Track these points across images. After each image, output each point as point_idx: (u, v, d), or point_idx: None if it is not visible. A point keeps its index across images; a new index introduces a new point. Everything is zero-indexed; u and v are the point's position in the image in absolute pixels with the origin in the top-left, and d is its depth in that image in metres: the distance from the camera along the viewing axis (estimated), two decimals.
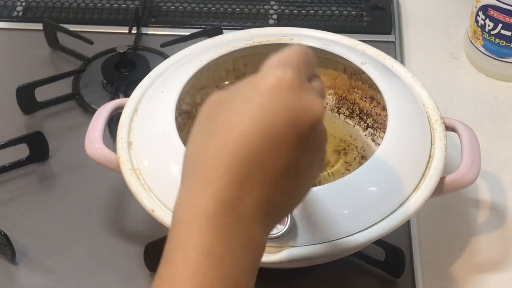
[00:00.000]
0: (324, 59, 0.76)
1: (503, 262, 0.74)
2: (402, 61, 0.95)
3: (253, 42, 0.74)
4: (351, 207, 0.61)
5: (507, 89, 0.92)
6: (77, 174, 0.82)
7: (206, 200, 0.42)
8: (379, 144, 0.74)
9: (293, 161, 0.44)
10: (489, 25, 0.89)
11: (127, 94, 0.88)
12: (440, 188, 0.65)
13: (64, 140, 0.85)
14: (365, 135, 0.76)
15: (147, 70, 0.90)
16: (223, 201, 0.42)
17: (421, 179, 0.64)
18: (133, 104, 0.71)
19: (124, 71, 0.90)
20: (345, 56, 0.72)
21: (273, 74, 0.44)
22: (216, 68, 0.76)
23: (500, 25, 0.88)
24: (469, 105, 0.90)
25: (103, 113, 0.71)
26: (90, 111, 0.88)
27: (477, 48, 0.92)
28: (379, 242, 0.68)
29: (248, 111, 0.43)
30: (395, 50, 0.96)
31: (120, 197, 0.79)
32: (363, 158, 0.74)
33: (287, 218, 0.59)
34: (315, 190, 0.61)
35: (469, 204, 0.79)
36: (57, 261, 0.73)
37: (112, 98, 0.87)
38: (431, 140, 0.67)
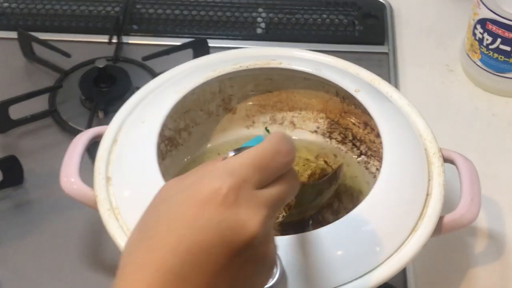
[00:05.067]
0: (315, 81, 0.72)
1: None
2: (395, 74, 0.91)
3: (240, 66, 0.69)
4: (344, 254, 0.57)
5: (505, 105, 0.88)
6: (54, 199, 0.78)
7: None
8: (372, 173, 0.71)
9: (224, 276, 0.42)
10: (487, 39, 0.85)
11: (106, 112, 0.84)
12: (438, 229, 0.61)
13: (40, 161, 0.81)
14: (358, 162, 0.72)
15: (128, 85, 0.86)
16: None
17: (418, 219, 0.61)
18: (112, 134, 0.67)
19: (104, 87, 0.86)
20: (338, 83, 0.68)
21: (210, 185, 0.42)
22: (201, 91, 0.71)
23: (499, 40, 0.84)
24: (465, 122, 0.87)
25: (79, 143, 0.67)
26: (67, 129, 0.84)
27: (474, 62, 0.88)
28: None
29: (179, 223, 0.41)
30: (388, 62, 0.92)
31: (99, 226, 0.74)
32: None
33: (276, 267, 0.55)
34: (306, 235, 0.57)
35: (466, 232, 0.75)
36: None
37: (91, 116, 0.83)
38: (429, 176, 0.64)
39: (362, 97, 0.67)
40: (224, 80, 0.72)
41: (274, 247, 0.45)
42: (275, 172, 0.44)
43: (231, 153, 0.45)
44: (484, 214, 0.77)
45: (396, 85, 0.90)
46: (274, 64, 0.70)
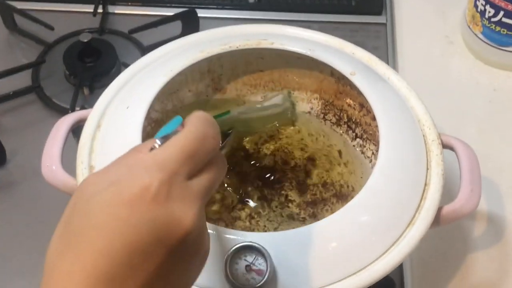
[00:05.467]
0: (309, 60, 0.68)
1: (501, 282, 0.68)
2: (393, 46, 0.88)
3: (230, 46, 0.66)
4: (339, 250, 0.54)
5: (506, 79, 0.85)
6: (38, 180, 0.73)
7: None
8: (368, 157, 0.68)
9: (162, 274, 0.40)
10: (489, 12, 0.81)
11: (92, 88, 0.81)
12: (436, 220, 0.59)
13: (23, 140, 0.78)
14: (354, 145, 0.69)
15: (114, 59, 0.83)
16: None
17: (416, 211, 0.58)
18: (95, 119, 0.63)
19: (89, 61, 0.82)
20: (332, 65, 0.65)
21: (139, 181, 0.39)
22: (189, 71, 0.68)
23: (501, 13, 0.80)
24: (465, 97, 0.83)
25: (61, 128, 0.63)
26: (51, 106, 0.80)
27: (476, 35, 0.84)
28: None
29: (110, 224, 0.39)
30: (386, 33, 0.89)
31: None
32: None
33: (266, 265, 0.53)
34: (298, 231, 0.55)
35: None
36: (16, 286, 0.68)
37: (76, 92, 0.80)
38: (427, 165, 0.61)
39: (358, 81, 0.63)
40: (213, 59, 0.68)
41: (208, 238, 0.44)
42: (204, 159, 0.42)
43: (158, 141, 0.42)
44: (484, 197, 0.73)
45: (394, 57, 0.87)
46: (265, 44, 0.66)
